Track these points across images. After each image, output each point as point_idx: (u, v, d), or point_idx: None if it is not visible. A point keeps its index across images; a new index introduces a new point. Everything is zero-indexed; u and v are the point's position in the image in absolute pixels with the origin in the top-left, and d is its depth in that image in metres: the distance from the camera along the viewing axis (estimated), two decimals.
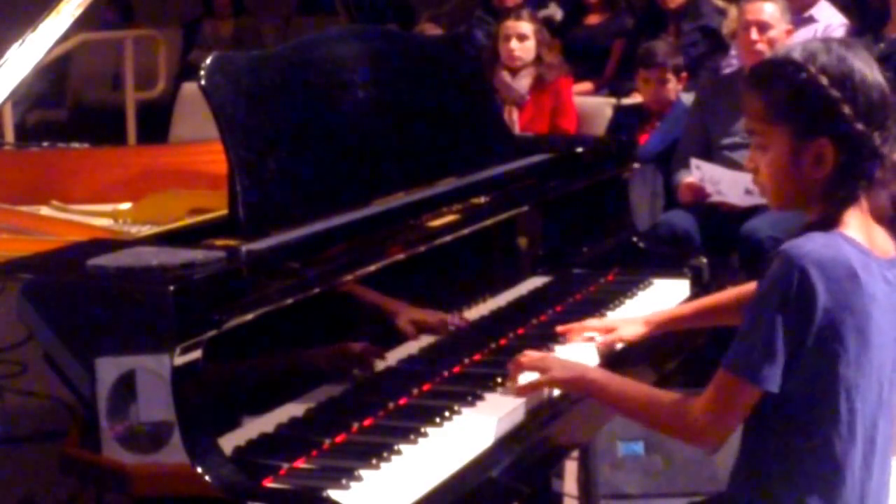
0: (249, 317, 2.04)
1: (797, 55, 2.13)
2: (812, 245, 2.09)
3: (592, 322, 2.74)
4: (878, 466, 2.19)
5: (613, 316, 2.86)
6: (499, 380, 2.40)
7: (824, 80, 2.10)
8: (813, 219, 2.18)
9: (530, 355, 2.43)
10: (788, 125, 2.13)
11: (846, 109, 2.10)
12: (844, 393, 2.12)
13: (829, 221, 2.14)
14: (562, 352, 2.62)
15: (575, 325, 2.71)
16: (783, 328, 2.08)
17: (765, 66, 2.22)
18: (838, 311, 2.08)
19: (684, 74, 5.89)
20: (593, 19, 7.57)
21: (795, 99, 2.12)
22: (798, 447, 2.15)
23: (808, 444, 2.15)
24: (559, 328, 2.71)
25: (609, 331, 2.69)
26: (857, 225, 2.14)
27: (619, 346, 2.70)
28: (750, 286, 2.36)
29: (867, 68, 2.13)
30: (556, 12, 7.85)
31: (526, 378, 2.39)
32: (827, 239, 2.11)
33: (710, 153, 5.26)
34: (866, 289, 2.09)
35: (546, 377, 2.38)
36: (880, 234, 2.19)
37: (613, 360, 2.68)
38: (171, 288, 1.89)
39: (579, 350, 2.63)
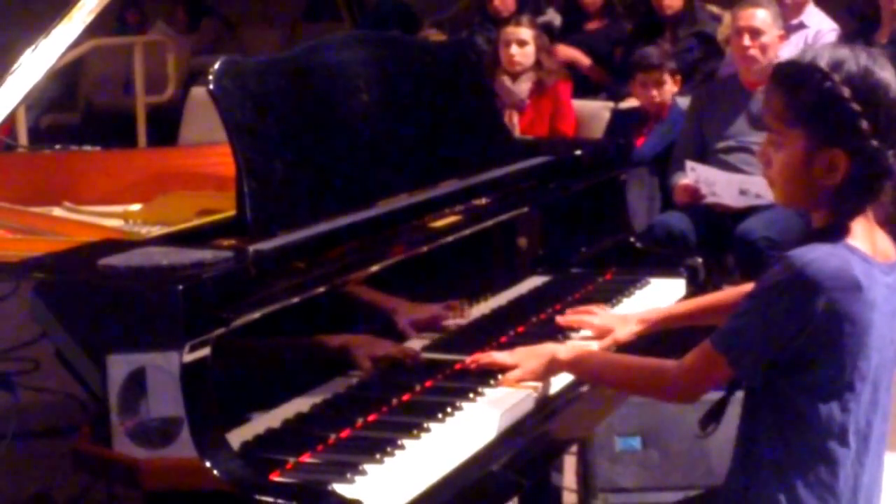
0: (256, 315, 2.04)
1: (824, 62, 2.08)
2: (816, 255, 2.06)
3: (591, 319, 2.72)
4: (871, 463, 2.18)
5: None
6: (500, 377, 2.40)
7: (847, 93, 2.05)
8: (818, 224, 2.16)
9: (499, 357, 2.44)
10: (806, 130, 2.09)
11: (864, 125, 2.05)
12: (839, 395, 2.12)
13: (834, 230, 2.11)
14: None
15: (574, 319, 2.71)
16: (772, 328, 2.09)
17: (791, 68, 2.15)
18: (837, 320, 2.06)
19: (678, 77, 5.89)
20: (592, 25, 7.56)
21: (816, 107, 2.08)
22: (792, 445, 2.15)
23: (802, 442, 2.14)
24: (559, 318, 2.71)
25: (604, 333, 2.68)
26: (861, 233, 2.12)
27: (614, 348, 2.70)
28: (747, 287, 2.36)
29: (893, 83, 2.09)
30: (554, 18, 7.85)
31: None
32: (832, 249, 2.08)
33: (705, 156, 5.26)
34: (868, 297, 2.08)
35: (521, 372, 2.39)
36: (882, 239, 2.17)
37: None
38: (181, 287, 1.89)
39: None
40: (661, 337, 2.74)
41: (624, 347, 2.67)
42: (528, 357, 2.42)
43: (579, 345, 2.61)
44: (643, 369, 2.33)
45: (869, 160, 2.07)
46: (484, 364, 2.44)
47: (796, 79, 2.11)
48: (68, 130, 8.63)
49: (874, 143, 2.06)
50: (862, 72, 2.07)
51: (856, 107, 2.06)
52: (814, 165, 2.10)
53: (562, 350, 2.46)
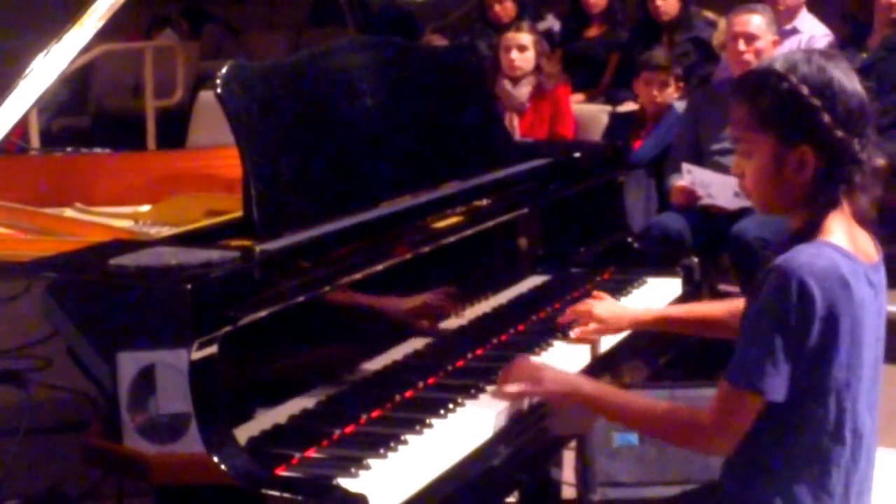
0: (263, 314, 2.04)
1: (779, 66, 2.13)
2: (804, 257, 2.06)
3: (593, 303, 2.72)
4: (864, 458, 2.18)
5: None
6: (500, 374, 2.40)
7: (805, 90, 2.09)
8: (797, 225, 2.16)
9: (526, 363, 2.38)
10: (771, 133, 2.12)
11: (826, 118, 2.09)
12: (836, 393, 2.11)
13: (813, 228, 2.12)
14: (559, 348, 2.62)
15: (570, 318, 2.70)
16: (784, 340, 2.05)
17: (749, 77, 2.21)
18: (833, 318, 2.06)
19: (681, 84, 5.90)
20: (592, 31, 7.57)
21: (778, 108, 2.11)
22: (787, 442, 2.14)
23: (797, 440, 2.14)
24: (560, 320, 2.70)
25: (596, 320, 2.67)
26: (841, 231, 2.12)
27: (608, 346, 2.69)
28: (740, 302, 2.34)
29: (846, 78, 2.12)
30: (553, 24, 7.85)
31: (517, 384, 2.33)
32: (816, 249, 2.09)
33: (701, 158, 5.26)
34: (856, 294, 2.08)
35: (539, 389, 2.32)
36: (862, 238, 2.17)
37: (605, 357, 2.68)
38: (189, 286, 1.89)
39: (573, 349, 2.63)
40: (654, 338, 2.75)
41: (618, 348, 2.67)
42: (550, 380, 2.32)
43: (606, 386, 2.46)
44: (674, 419, 2.20)
45: (835, 151, 2.10)
46: (508, 396, 2.31)
47: (755, 86, 2.15)
48: (79, 133, 8.63)
49: (838, 133, 2.09)
50: (815, 69, 2.11)
51: (815, 102, 2.09)
52: (784, 166, 2.12)
53: (587, 385, 2.34)
